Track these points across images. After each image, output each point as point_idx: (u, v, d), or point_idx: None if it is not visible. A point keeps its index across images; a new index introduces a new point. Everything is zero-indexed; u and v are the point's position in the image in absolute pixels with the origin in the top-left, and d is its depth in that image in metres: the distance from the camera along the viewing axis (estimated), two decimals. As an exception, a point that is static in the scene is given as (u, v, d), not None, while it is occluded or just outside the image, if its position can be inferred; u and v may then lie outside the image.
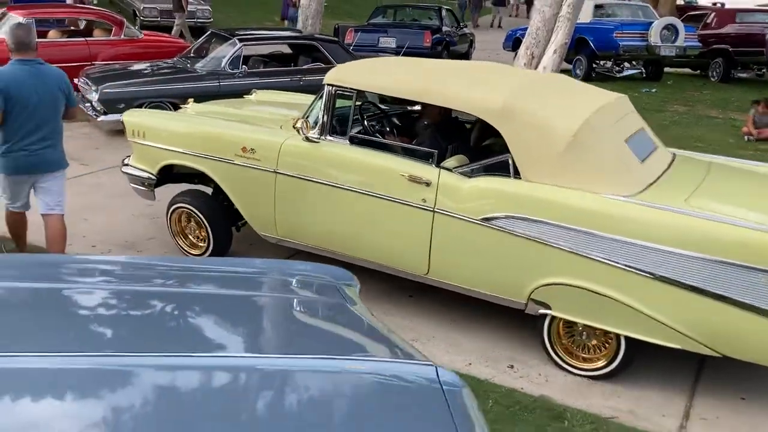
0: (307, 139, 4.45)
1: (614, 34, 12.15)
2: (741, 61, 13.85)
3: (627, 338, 3.74)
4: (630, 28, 12.48)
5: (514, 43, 15.60)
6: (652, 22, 12.66)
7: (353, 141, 4.40)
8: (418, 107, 4.99)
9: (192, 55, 9.84)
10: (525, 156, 3.88)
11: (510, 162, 3.93)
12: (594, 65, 12.85)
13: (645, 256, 3.55)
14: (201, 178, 5.34)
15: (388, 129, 4.80)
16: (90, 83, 8.59)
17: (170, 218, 5.10)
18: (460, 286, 4.11)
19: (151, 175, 5.10)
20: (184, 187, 5.30)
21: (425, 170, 4.10)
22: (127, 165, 5.28)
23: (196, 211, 4.93)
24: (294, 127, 4.52)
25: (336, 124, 4.47)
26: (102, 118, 8.37)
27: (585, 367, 3.93)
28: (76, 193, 6.42)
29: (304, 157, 4.47)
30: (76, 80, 9.29)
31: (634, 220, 3.59)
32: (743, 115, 10.57)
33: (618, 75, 13.30)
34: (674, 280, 3.52)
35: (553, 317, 3.91)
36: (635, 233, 3.56)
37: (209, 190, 5.13)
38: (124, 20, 11.75)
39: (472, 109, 4.11)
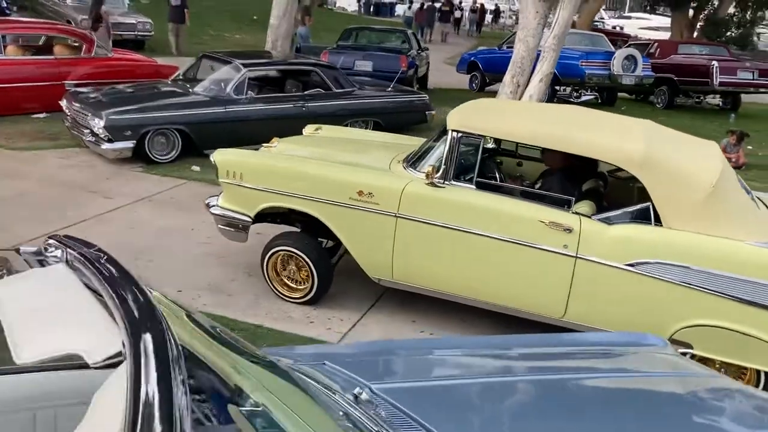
0: (432, 184, 4.48)
1: (580, 63, 12.79)
2: (684, 90, 14.93)
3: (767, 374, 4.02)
4: (594, 58, 13.18)
5: (468, 66, 16.06)
6: (613, 53, 13.45)
7: (480, 186, 4.48)
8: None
9: (182, 78, 9.52)
10: (667, 204, 4.10)
11: (651, 209, 4.13)
12: (556, 90, 13.45)
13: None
14: (284, 218, 5.26)
15: (509, 174, 4.91)
16: (88, 108, 8.15)
17: (268, 262, 4.96)
18: (597, 328, 4.26)
19: (247, 217, 4.95)
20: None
21: (564, 216, 4.24)
22: (215, 206, 5.09)
23: (302, 255, 4.83)
24: (405, 168, 4.56)
25: (458, 169, 4.52)
26: (107, 146, 7.97)
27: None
28: (119, 231, 6.11)
29: (428, 202, 4.49)
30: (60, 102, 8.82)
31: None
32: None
33: (576, 100, 14.00)
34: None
35: None
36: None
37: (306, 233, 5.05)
38: (95, 38, 11.20)
39: (613, 159, 4.30)
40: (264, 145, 5.50)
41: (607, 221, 4.22)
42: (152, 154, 8.22)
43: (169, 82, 9.43)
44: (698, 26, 26.67)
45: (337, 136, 6.00)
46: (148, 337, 1.17)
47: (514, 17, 44.84)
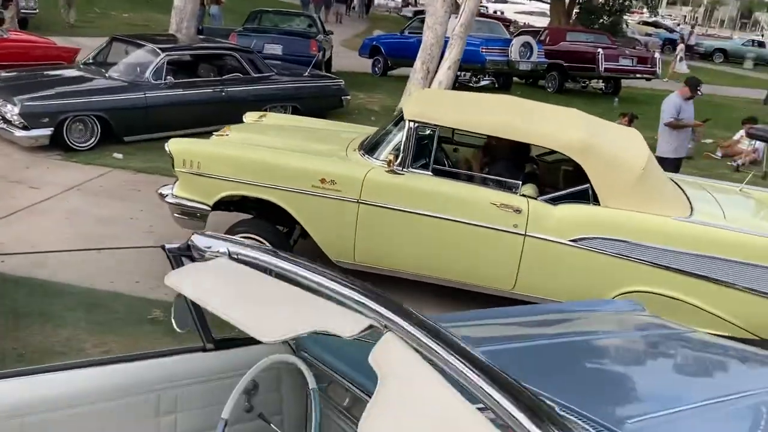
0: (392, 171, 4.78)
1: (480, 49, 13.41)
2: (572, 75, 15.97)
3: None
4: (494, 44, 13.83)
5: (371, 51, 16.35)
6: (510, 40, 14.18)
7: (436, 173, 4.82)
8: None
9: (93, 62, 9.21)
10: (604, 186, 4.61)
11: (590, 191, 4.63)
12: (457, 75, 14.02)
13: (709, 265, 4.47)
14: (237, 205, 5.38)
15: (453, 160, 5.26)
16: (1, 95, 7.76)
17: (228, 248, 5.07)
18: (543, 297, 4.74)
19: (206, 206, 5.04)
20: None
21: (513, 199, 4.67)
22: (170, 195, 5.12)
23: (264, 241, 4.98)
24: (362, 155, 4.84)
25: (415, 157, 4.84)
26: (22, 134, 7.65)
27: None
28: (58, 222, 5.98)
29: (389, 189, 4.78)
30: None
31: (700, 237, 4.50)
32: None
33: (475, 85, 14.65)
34: (726, 282, 4.49)
35: None
36: (701, 247, 4.47)
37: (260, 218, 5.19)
38: (-12, 17, 10.55)
39: (556, 146, 4.76)
40: (216, 133, 5.57)
41: (552, 202, 4.69)
42: (70, 141, 7.96)
43: (81, 66, 9.10)
44: (574, 13, 28.25)
45: (286, 124, 6.15)
46: (397, 310, 1.45)
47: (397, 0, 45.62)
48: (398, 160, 4.80)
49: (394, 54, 15.78)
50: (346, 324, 1.38)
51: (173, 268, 2.02)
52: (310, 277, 1.60)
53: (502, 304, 4.61)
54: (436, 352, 1.35)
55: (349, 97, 11.09)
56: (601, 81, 16.58)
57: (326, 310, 1.49)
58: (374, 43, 16.33)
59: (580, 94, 16.26)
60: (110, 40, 9.53)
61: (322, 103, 10.72)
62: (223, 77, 9.42)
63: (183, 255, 2.00)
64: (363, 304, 1.46)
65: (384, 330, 1.41)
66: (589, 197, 4.65)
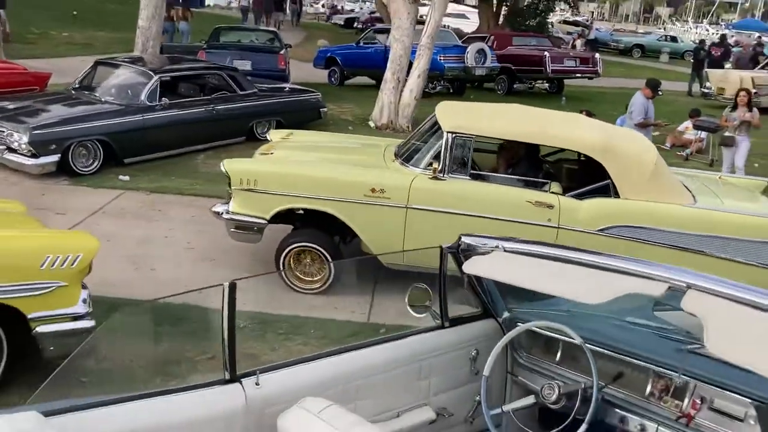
0: (436, 178, 5.31)
1: (439, 57, 14.07)
2: (519, 77, 16.88)
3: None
4: (450, 52, 14.55)
5: (326, 62, 16.79)
6: (463, 47, 14.93)
7: (473, 177, 5.39)
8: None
9: (80, 86, 9.34)
10: (622, 180, 5.28)
11: (610, 185, 5.29)
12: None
13: (714, 243, 5.19)
14: (284, 218, 5.78)
15: (484, 165, 5.83)
16: (6, 124, 7.86)
17: (285, 259, 5.49)
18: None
19: (263, 220, 5.43)
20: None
21: (545, 196, 5.28)
22: (226, 212, 5.48)
23: (321, 249, 5.43)
24: (401, 164, 5.39)
25: (454, 164, 5.39)
26: (31, 162, 7.78)
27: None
28: (103, 244, 6.19)
29: (433, 194, 5.32)
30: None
31: (707, 220, 5.22)
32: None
33: (432, 91, 15.30)
34: (727, 258, 5.22)
35: None
36: (709, 228, 5.19)
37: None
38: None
39: (581, 148, 5.39)
40: (259, 151, 5.95)
41: (578, 197, 5.32)
42: (75, 166, 8.13)
43: (73, 92, 9.21)
44: (502, 16, 29.40)
45: (317, 140, 6.60)
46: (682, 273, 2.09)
47: (324, 8, 46.06)
48: (440, 168, 5.34)
49: (350, 65, 16.28)
50: (649, 287, 1.91)
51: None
52: (591, 260, 2.12)
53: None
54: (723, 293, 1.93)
55: (326, 109, 11.54)
56: (546, 82, 17.57)
57: (622, 279, 2.01)
58: (329, 54, 16.79)
59: (528, 94, 17.19)
60: (95, 64, 9.68)
61: (302, 117, 11.15)
62: (212, 96, 9.72)
63: (458, 252, 2.49)
64: (651, 274, 2.06)
65: (686, 288, 1.95)
66: (609, 191, 5.31)
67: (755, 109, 9.87)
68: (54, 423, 1.74)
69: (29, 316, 3.51)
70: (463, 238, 2.57)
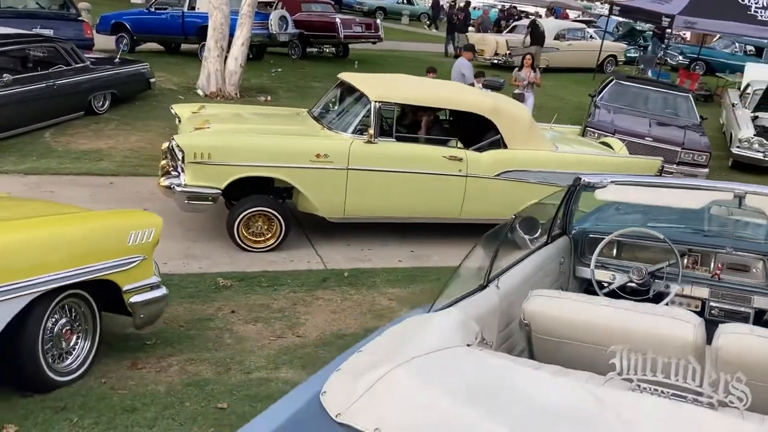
0: (370, 142, 6.20)
1: (245, 24, 14.33)
2: (311, 42, 17.71)
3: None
4: (255, 19, 14.80)
5: (112, 28, 15.98)
6: (269, 14, 15.30)
7: (398, 139, 6.37)
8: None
9: None
10: (509, 134, 6.66)
11: (500, 139, 6.64)
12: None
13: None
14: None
15: (407, 127, 6.79)
16: None
17: (239, 224, 5.99)
18: (481, 218, 6.65)
19: (217, 190, 5.86)
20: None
21: (455, 151, 6.47)
22: (179, 186, 5.80)
23: (273, 211, 6.04)
24: (332, 131, 6.23)
25: (381, 128, 6.31)
26: None
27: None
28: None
29: (368, 156, 6.20)
30: None
31: (570, 161, 6.82)
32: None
33: (234, 57, 15.57)
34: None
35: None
36: (571, 167, 6.79)
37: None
38: None
39: (477, 110, 6.60)
40: (195, 126, 6.25)
41: (478, 150, 6.59)
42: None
43: None
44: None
45: (236, 112, 7.06)
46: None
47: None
48: (372, 133, 6.22)
49: (142, 30, 15.76)
50: (722, 195, 3.14)
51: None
52: (679, 183, 3.31)
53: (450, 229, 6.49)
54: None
55: (155, 80, 11.43)
56: (333, 47, 18.66)
57: (704, 192, 3.21)
58: (115, 20, 16.01)
59: (318, 59, 18.18)
60: None
61: (135, 87, 11.00)
62: (50, 70, 9.24)
63: (580, 187, 3.46)
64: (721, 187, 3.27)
65: (744, 195, 3.18)
66: (500, 144, 6.66)
67: (538, 70, 12.02)
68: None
69: (124, 289, 3.82)
70: (584, 178, 3.57)
